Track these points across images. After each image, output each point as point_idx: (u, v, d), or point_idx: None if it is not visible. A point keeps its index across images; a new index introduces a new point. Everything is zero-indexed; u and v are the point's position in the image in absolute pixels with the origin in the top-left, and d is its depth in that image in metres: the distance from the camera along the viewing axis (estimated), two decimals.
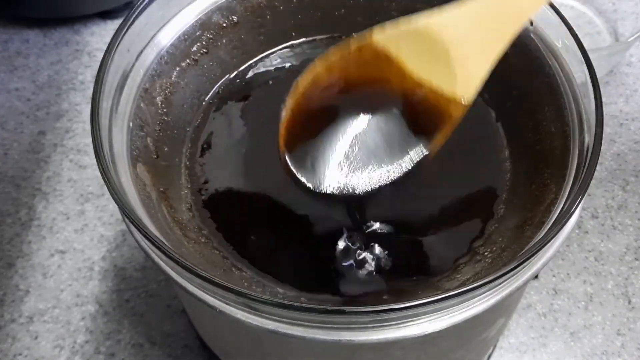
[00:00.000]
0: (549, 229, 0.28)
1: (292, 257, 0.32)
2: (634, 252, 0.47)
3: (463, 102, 0.31)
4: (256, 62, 0.40)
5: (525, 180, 0.34)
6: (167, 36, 0.36)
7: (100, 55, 0.40)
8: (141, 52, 0.34)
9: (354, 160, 0.33)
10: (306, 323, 0.26)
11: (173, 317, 0.44)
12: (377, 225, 0.33)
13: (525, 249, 0.28)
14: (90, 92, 0.55)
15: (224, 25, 0.38)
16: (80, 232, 0.48)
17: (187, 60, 0.37)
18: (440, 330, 0.26)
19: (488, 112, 0.37)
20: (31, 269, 0.46)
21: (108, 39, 0.32)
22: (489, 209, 0.34)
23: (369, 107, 0.33)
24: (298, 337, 0.26)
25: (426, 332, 0.26)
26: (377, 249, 0.32)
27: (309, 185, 0.32)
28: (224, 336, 0.35)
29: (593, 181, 0.42)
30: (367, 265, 0.32)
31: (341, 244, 0.32)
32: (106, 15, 0.60)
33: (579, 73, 0.32)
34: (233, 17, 0.38)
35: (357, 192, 0.34)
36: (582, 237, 0.48)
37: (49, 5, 0.58)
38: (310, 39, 0.40)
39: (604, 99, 0.30)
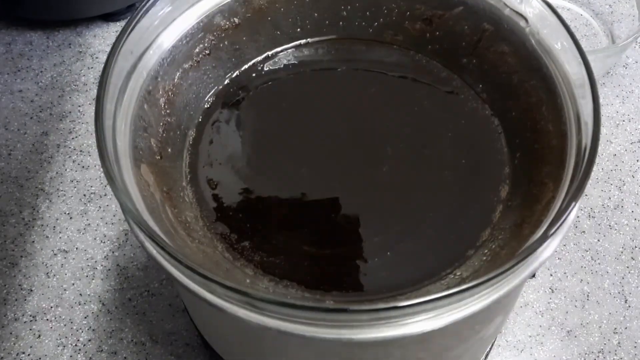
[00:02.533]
0: (546, 228, 0.28)
1: (295, 257, 0.33)
2: (630, 251, 0.48)
3: None
4: (258, 64, 0.40)
5: (523, 178, 0.34)
6: (170, 38, 0.36)
7: (103, 57, 0.40)
8: (144, 54, 0.34)
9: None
10: (307, 321, 0.26)
11: (175, 315, 0.45)
12: (379, 223, 0.34)
13: (523, 248, 0.29)
14: (92, 93, 0.55)
15: (226, 27, 0.38)
16: (83, 232, 0.48)
17: (190, 62, 0.37)
18: (439, 328, 0.26)
19: (487, 111, 0.37)
20: (34, 268, 0.47)
21: (110, 41, 0.32)
22: (488, 208, 0.34)
23: None
24: (299, 335, 0.26)
25: (425, 330, 0.26)
26: None
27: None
28: (225, 334, 0.35)
29: (590, 181, 0.42)
30: None
31: None
32: (109, 17, 0.60)
33: (577, 74, 0.33)
34: (234, 19, 0.38)
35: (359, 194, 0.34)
36: (578, 237, 0.48)
37: (52, 7, 0.58)
38: (311, 40, 0.41)
39: (600, 100, 0.30)
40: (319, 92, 0.39)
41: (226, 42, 0.39)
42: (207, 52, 0.38)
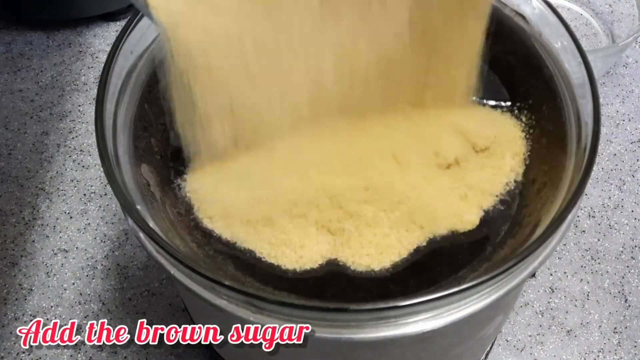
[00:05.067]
0: (546, 227, 0.28)
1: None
2: (630, 251, 0.48)
3: None
4: None
5: (523, 178, 0.34)
6: None
7: (103, 57, 0.40)
8: (144, 53, 0.34)
9: None
10: (307, 321, 0.26)
11: (175, 315, 0.45)
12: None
13: (523, 248, 0.29)
14: (92, 93, 0.55)
15: None
16: (83, 231, 0.48)
17: None
18: (439, 328, 0.26)
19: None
20: (34, 268, 0.47)
21: (110, 41, 0.32)
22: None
23: None
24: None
25: (425, 330, 0.26)
26: None
27: None
28: (225, 334, 0.35)
29: (590, 181, 0.42)
30: None
31: None
32: (109, 17, 0.60)
33: (577, 74, 0.33)
34: None
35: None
36: (579, 237, 0.48)
37: (52, 7, 0.58)
38: None
39: (600, 100, 0.30)
40: None
41: None
42: None
